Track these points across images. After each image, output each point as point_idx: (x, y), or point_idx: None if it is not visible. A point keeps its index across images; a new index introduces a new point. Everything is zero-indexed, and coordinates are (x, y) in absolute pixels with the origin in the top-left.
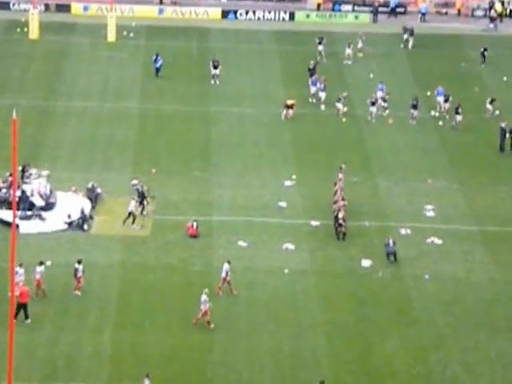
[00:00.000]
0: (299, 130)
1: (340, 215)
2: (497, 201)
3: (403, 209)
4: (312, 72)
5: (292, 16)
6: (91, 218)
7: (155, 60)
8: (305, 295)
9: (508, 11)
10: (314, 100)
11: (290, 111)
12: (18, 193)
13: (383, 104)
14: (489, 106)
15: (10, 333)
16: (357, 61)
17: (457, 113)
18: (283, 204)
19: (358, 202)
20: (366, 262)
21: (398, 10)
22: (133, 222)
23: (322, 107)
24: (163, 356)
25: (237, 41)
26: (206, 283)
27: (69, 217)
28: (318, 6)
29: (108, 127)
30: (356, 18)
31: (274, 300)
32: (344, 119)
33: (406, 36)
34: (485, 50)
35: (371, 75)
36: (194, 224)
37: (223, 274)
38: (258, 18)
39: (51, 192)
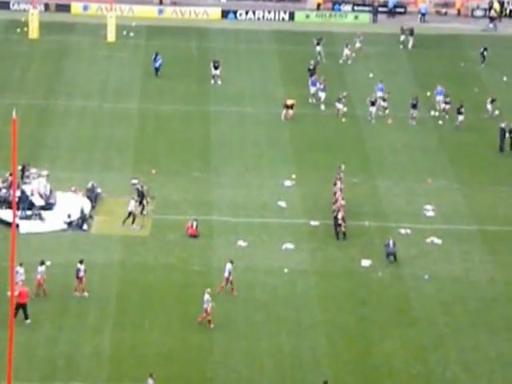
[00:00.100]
0: (299, 130)
1: (339, 215)
2: (497, 201)
3: (403, 209)
4: (312, 72)
5: (292, 16)
6: (91, 217)
7: (155, 59)
8: (305, 295)
9: (508, 11)
10: (314, 100)
11: (290, 111)
12: (18, 193)
13: (383, 104)
14: (489, 106)
15: (9, 333)
16: (356, 61)
17: (459, 113)
18: (283, 204)
19: (357, 202)
20: (365, 262)
21: (398, 10)
22: (132, 222)
23: (322, 107)
24: (163, 356)
25: (236, 41)
26: (206, 283)
27: (68, 217)
28: (318, 5)
29: (108, 127)
30: (356, 18)
31: (274, 300)
32: (344, 119)
33: (403, 37)
34: (484, 49)
35: (371, 75)
36: (194, 224)
37: (226, 274)
38: (258, 18)
39: (51, 192)
